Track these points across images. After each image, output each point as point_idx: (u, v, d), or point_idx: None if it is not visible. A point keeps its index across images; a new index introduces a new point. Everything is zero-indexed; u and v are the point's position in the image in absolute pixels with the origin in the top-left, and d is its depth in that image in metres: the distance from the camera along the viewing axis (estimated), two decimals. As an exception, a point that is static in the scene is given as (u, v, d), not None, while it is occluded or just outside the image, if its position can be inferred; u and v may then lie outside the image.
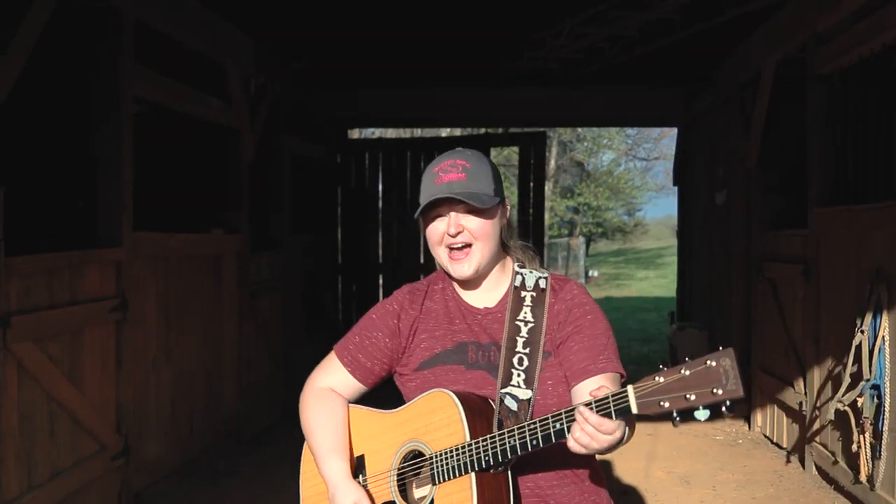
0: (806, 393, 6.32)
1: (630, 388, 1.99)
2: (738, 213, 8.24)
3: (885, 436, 4.91)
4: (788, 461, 6.59)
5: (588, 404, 2.03)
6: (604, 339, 2.37)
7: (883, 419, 4.92)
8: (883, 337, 4.94)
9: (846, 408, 5.19)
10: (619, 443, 2.07)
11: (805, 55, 6.27)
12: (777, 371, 7.08)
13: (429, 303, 2.51)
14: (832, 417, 5.32)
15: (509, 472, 2.24)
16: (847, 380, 5.22)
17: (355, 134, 15.01)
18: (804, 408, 6.30)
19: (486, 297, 2.49)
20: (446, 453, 2.25)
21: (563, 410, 2.10)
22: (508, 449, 2.15)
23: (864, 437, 5.12)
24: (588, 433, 2.01)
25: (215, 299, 7.07)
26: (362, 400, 2.58)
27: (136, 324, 5.57)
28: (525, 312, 2.41)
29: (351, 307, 11.23)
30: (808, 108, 6.25)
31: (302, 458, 2.61)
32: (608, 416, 1.99)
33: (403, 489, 2.37)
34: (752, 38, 7.42)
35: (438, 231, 2.40)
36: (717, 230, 9.29)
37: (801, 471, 6.33)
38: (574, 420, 2.04)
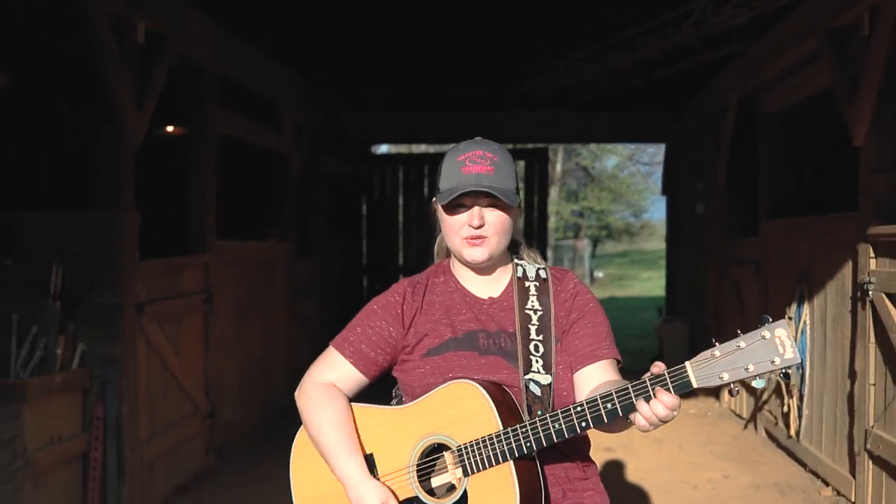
0: (758, 371, 7.72)
1: (687, 363, 2.04)
2: (712, 222, 9.66)
3: (805, 399, 6.34)
4: (745, 427, 7.99)
5: (653, 379, 2.06)
6: (605, 328, 2.43)
7: (804, 386, 6.35)
8: (805, 322, 6.36)
9: (777, 376, 6.60)
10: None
11: (756, 96, 7.68)
12: (739, 355, 8.48)
13: (430, 295, 2.50)
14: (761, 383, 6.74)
15: (537, 460, 2.26)
16: (778, 356, 6.64)
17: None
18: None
19: (489, 287, 2.49)
20: (478, 443, 2.22)
21: (613, 391, 2.11)
22: (554, 432, 2.16)
23: (792, 401, 6.55)
24: (656, 411, 2.05)
25: (270, 298, 8.51)
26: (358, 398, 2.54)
27: (217, 315, 7.00)
28: (532, 301, 2.42)
29: (375, 304, 12.64)
30: (759, 140, 7.67)
31: (292, 457, 2.53)
32: (667, 391, 2.04)
33: (424, 484, 2.32)
34: (720, 78, 8.85)
35: (459, 221, 2.37)
36: (698, 237, 10.68)
37: (754, 434, 7.74)
38: (628, 400, 2.07)
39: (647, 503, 5.85)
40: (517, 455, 2.18)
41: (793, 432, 6.59)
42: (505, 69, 9.70)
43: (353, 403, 2.46)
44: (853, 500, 5.50)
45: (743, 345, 2.00)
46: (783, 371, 2.02)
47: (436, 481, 2.31)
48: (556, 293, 2.45)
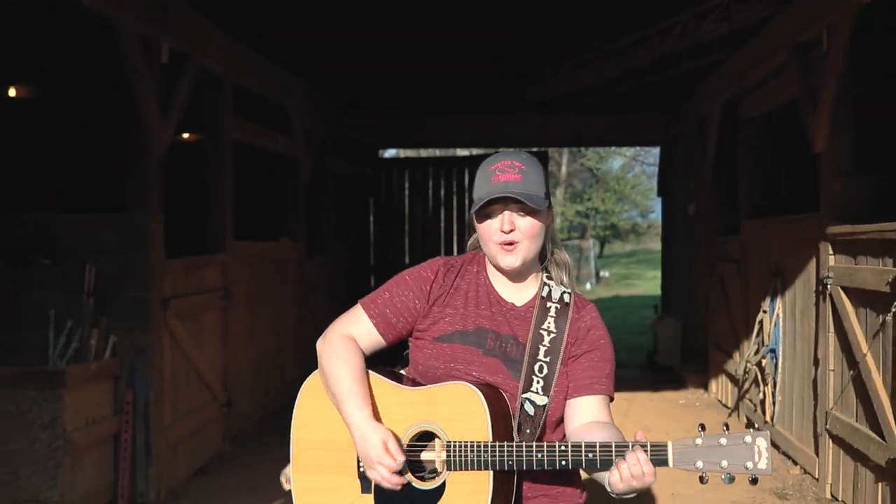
0: (740, 361, 8.23)
1: (669, 443, 2.15)
2: (701, 222, 10.16)
3: (778, 386, 6.84)
4: (730, 416, 8.49)
5: (640, 444, 2.19)
6: (609, 366, 2.53)
7: (777, 374, 6.85)
8: (778, 314, 6.87)
9: (753, 367, 7.13)
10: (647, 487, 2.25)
11: (737, 103, 8.18)
12: (724, 347, 8.99)
13: (460, 281, 2.60)
14: (741, 373, 7.25)
15: (515, 475, 2.40)
16: (754, 346, 7.16)
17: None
18: (738, 372, 8.21)
19: (515, 294, 2.58)
20: (465, 446, 2.35)
21: (597, 443, 2.25)
22: (535, 461, 2.30)
23: (767, 388, 7.05)
24: (635, 475, 2.18)
25: (282, 294, 9.04)
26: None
27: (234, 310, 7.53)
28: (549, 322, 2.51)
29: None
30: (739, 144, 8.17)
31: (298, 399, 2.63)
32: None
33: (410, 462, 2.44)
34: (705, 85, 9.35)
35: (492, 228, 2.47)
36: (690, 236, 11.18)
37: (737, 421, 8.23)
38: (609, 456, 2.22)
39: (630, 481, 6.35)
40: (497, 468, 2.33)
41: (768, 417, 7.09)
42: (506, 76, 10.23)
43: (371, 372, 2.57)
44: (816, 476, 6.00)
45: (724, 442, 2.13)
46: (752, 478, 2.15)
47: (420, 464, 2.45)
48: (574, 321, 2.54)
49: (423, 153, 22.94)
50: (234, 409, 7.51)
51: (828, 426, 5.72)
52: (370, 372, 2.56)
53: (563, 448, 2.27)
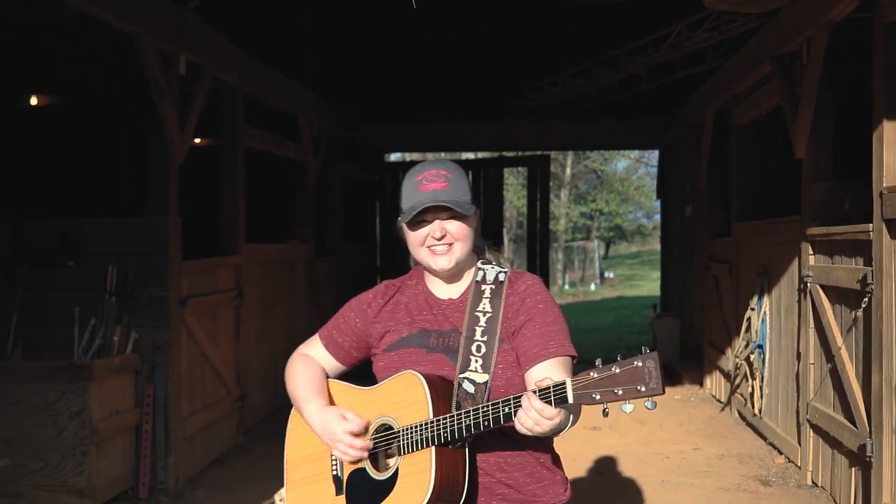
0: (731, 357, 8.57)
1: (568, 380, 2.21)
2: (696, 224, 10.50)
3: (765, 380, 7.18)
4: (722, 410, 8.82)
5: (532, 392, 2.25)
6: (555, 326, 2.55)
7: (764, 368, 7.19)
8: (765, 312, 7.21)
9: (742, 362, 7.47)
10: (562, 428, 2.31)
11: (729, 110, 8.53)
12: (717, 344, 9.33)
13: (399, 296, 2.75)
14: (732, 368, 7.60)
15: (467, 449, 2.45)
16: (742, 342, 7.50)
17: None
18: (728, 367, 8.56)
19: (451, 289, 2.70)
20: (412, 428, 2.45)
21: (511, 397, 2.32)
22: (464, 427, 2.36)
23: (755, 382, 7.39)
24: (532, 418, 2.24)
25: (292, 294, 9.40)
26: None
27: (246, 309, 7.88)
28: (484, 304, 2.60)
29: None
30: (731, 149, 8.52)
31: (289, 425, 2.85)
32: (549, 403, 2.22)
33: (375, 457, 2.57)
34: (700, 91, 9.69)
35: (422, 235, 2.58)
36: (687, 238, 11.52)
37: (728, 415, 8.57)
38: (518, 405, 2.27)
39: (624, 470, 6.68)
40: (437, 443, 2.40)
41: (756, 410, 7.43)
42: (507, 84, 10.61)
43: (332, 380, 2.78)
44: (799, 464, 6.34)
45: (617, 370, 2.15)
46: (649, 399, 2.14)
47: (387, 461, 2.57)
48: (507, 296, 2.60)
49: (430, 156, 23.30)
50: (247, 403, 7.86)
51: (808, 416, 6.06)
52: (333, 381, 2.77)
53: (484, 409, 2.34)
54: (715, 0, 5.74)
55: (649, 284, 32.99)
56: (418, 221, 2.57)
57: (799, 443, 6.34)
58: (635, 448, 7.30)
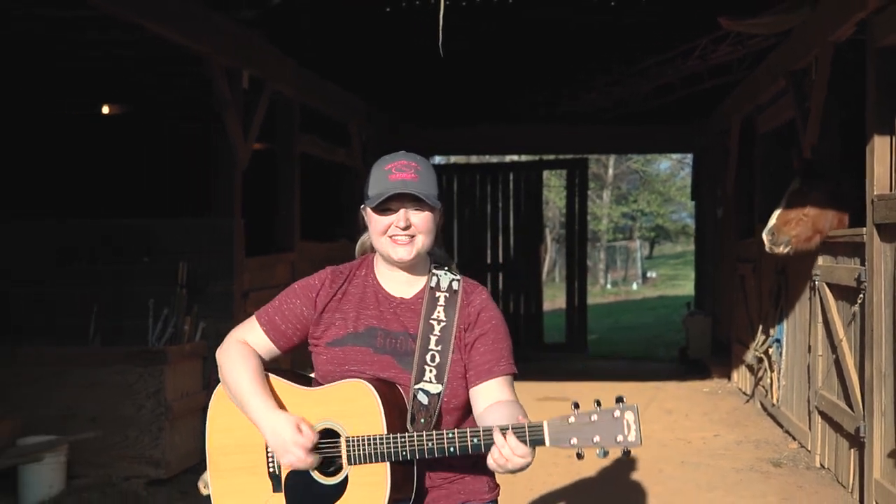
0: (752, 351, 9.08)
1: (545, 423, 2.21)
2: (726, 226, 11.01)
3: (782, 371, 7.70)
4: (747, 402, 9.33)
5: (505, 429, 2.24)
6: (505, 343, 2.57)
7: (781, 361, 7.72)
8: (782, 308, 7.73)
9: (762, 354, 8.00)
10: (527, 466, 2.27)
11: (753, 119, 9.04)
12: (743, 340, 9.83)
13: (348, 286, 2.65)
14: (753, 362, 8.13)
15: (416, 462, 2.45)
16: (761, 337, 8.03)
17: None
18: (749, 360, 9.07)
19: (403, 288, 2.62)
20: (363, 440, 2.41)
21: (480, 428, 2.31)
22: (426, 450, 2.35)
23: (774, 374, 7.91)
24: (505, 455, 2.23)
25: (341, 289, 10.03)
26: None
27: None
28: (438, 312, 2.56)
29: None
30: (754, 156, 9.03)
31: (209, 411, 2.69)
32: (524, 442, 2.23)
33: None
34: (726, 101, 10.21)
35: (385, 223, 2.52)
36: (718, 238, 12.01)
37: (752, 406, 9.08)
38: (491, 440, 2.26)
39: (646, 452, 7.23)
40: (394, 459, 2.39)
41: (775, 400, 7.95)
42: (546, 91, 11.20)
43: (271, 375, 2.62)
44: (809, 449, 6.87)
45: (595, 418, 2.18)
46: (624, 450, 2.18)
47: (330, 468, 2.50)
48: (462, 307, 2.58)
49: (475, 159, 23.94)
50: (300, 390, 8.50)
51: (816, 403, 6.58)
52: (270, 375, 2.62)
53: (450, 435, 2.34)
54: (731, 22, 6.28)
55: (691, 284, 32.96)
56: (384, 209, 2.52)
57: (809, 428, 6.86)
58: (660, 434, 7.85)
